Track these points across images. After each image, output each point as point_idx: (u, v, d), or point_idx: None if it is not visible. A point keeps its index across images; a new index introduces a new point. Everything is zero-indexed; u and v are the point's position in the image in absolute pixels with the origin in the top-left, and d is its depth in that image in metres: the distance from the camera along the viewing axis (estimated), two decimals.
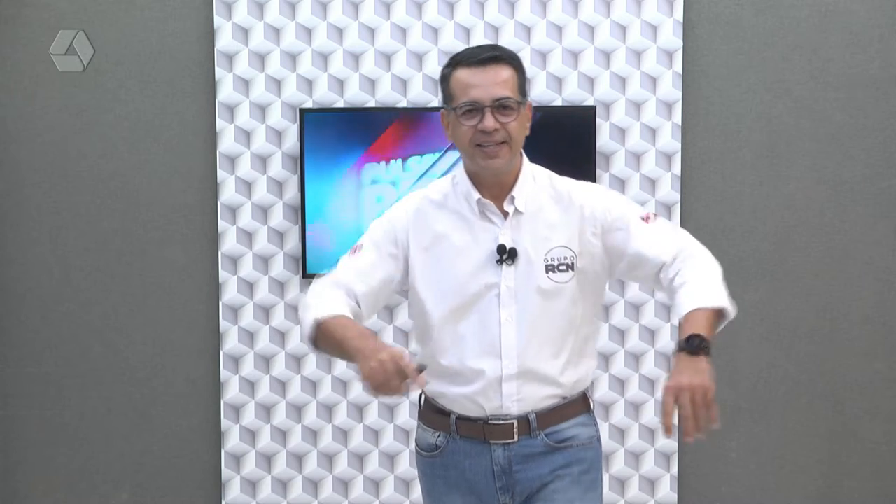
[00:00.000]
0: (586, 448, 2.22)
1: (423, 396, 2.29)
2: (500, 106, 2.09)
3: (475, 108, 2.09)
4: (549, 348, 2.16)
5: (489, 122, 2.08)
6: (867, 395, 3.71)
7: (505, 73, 2.10)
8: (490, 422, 2.17)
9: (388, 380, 1.88)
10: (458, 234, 2.17)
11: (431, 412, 2.26)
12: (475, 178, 2.17)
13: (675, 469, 3.70)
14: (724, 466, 3.74)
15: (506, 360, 2.14)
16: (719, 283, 2.09)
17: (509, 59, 2.13)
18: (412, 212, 2.21)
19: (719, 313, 2.04)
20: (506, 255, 2.13)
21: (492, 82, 2.08)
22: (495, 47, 2.19)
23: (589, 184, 2.28)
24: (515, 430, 2.16)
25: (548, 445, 2.18)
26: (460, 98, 2.10)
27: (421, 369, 1.89)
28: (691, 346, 1.91)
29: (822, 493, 3.74)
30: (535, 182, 2.19)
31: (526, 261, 2.14)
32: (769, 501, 3.75)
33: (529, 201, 2.17)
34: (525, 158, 2.21)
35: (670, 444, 3.68)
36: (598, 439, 2.28)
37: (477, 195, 2.16)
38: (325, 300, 2.13)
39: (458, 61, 2.13)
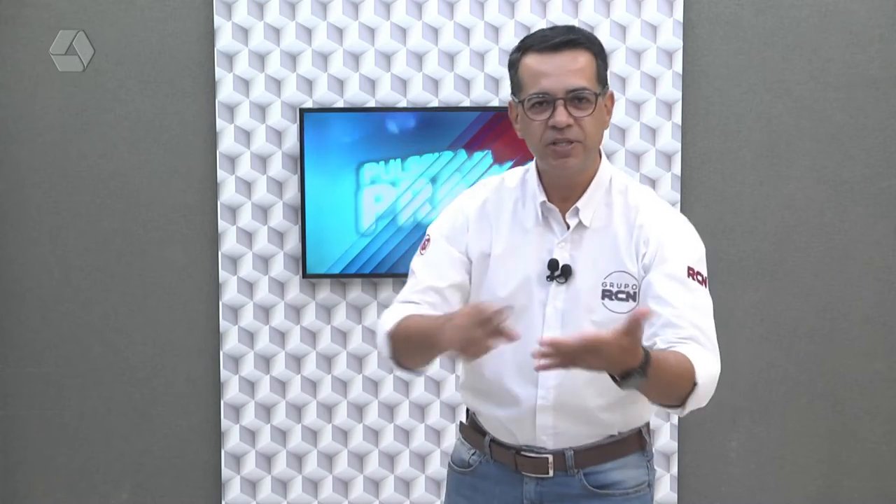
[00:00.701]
0: (630, 497, 1.96)
1: (468, 409, 2.11)
2: (575, 98, 1.83)
3: (546, 101, 1.83)
4: (598, 385, 1.87)
5: (561, 116, 1.82)
6: (867, 395, 3.71)
7: (582, 59, 1.84)
8: (522, 452, 1.96)
9: (471, 334, 1.63)
10: (514, 237, 1.95)
11: (470, 428, 2.08)
12: (544, 177, 1.94)
13: (675, 469, 3.69)
14: (724, 466, 3.74)
15: (542, 389, 1.92)
16: (713, 377, 1.82)
17: (587, 42, 1.86)
18: (476, 213, 1.99)
19: (690, 385, 1.77)
20: (558, 272, 1.89)
21: (566, 70, 1.82)
22: (571, 29, 1.89)
23: (663, 206, 1.98)
24: (550, 465, 1.94)
25: (585, 489, 1.94)
26: (529, 88, 1.84)
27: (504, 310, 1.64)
28: (643, 366, 1.66)
29: (822, 493, 3.74)
30: (610, 190, 1.94)
31: (581, 282, 1.89)
32: (769, 501, 3.75)
33: (597, 215, 1.92)
34: (604, 159, 1.96)
35: (670, 444, 3.68)
36: (650, 484, 2.00)
37: (542, 197, 1.93)
38: (393, 315, 1.93)
39: (528, 45, 1.87)
